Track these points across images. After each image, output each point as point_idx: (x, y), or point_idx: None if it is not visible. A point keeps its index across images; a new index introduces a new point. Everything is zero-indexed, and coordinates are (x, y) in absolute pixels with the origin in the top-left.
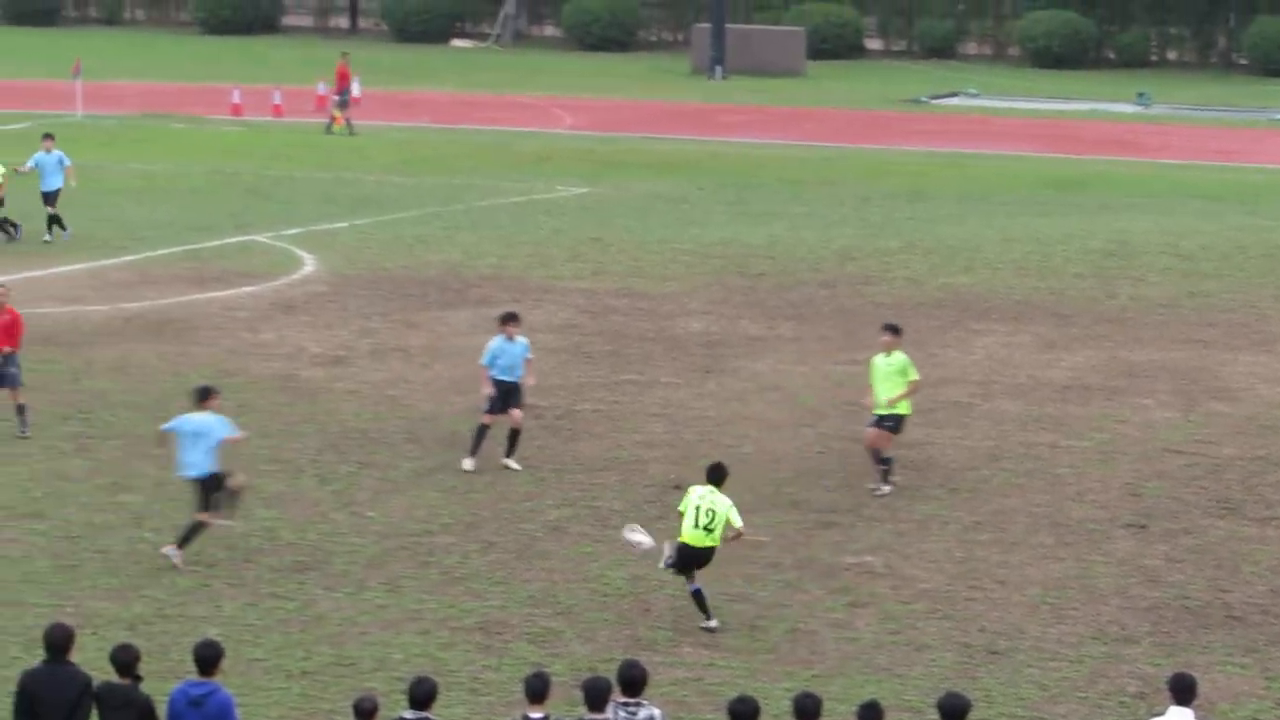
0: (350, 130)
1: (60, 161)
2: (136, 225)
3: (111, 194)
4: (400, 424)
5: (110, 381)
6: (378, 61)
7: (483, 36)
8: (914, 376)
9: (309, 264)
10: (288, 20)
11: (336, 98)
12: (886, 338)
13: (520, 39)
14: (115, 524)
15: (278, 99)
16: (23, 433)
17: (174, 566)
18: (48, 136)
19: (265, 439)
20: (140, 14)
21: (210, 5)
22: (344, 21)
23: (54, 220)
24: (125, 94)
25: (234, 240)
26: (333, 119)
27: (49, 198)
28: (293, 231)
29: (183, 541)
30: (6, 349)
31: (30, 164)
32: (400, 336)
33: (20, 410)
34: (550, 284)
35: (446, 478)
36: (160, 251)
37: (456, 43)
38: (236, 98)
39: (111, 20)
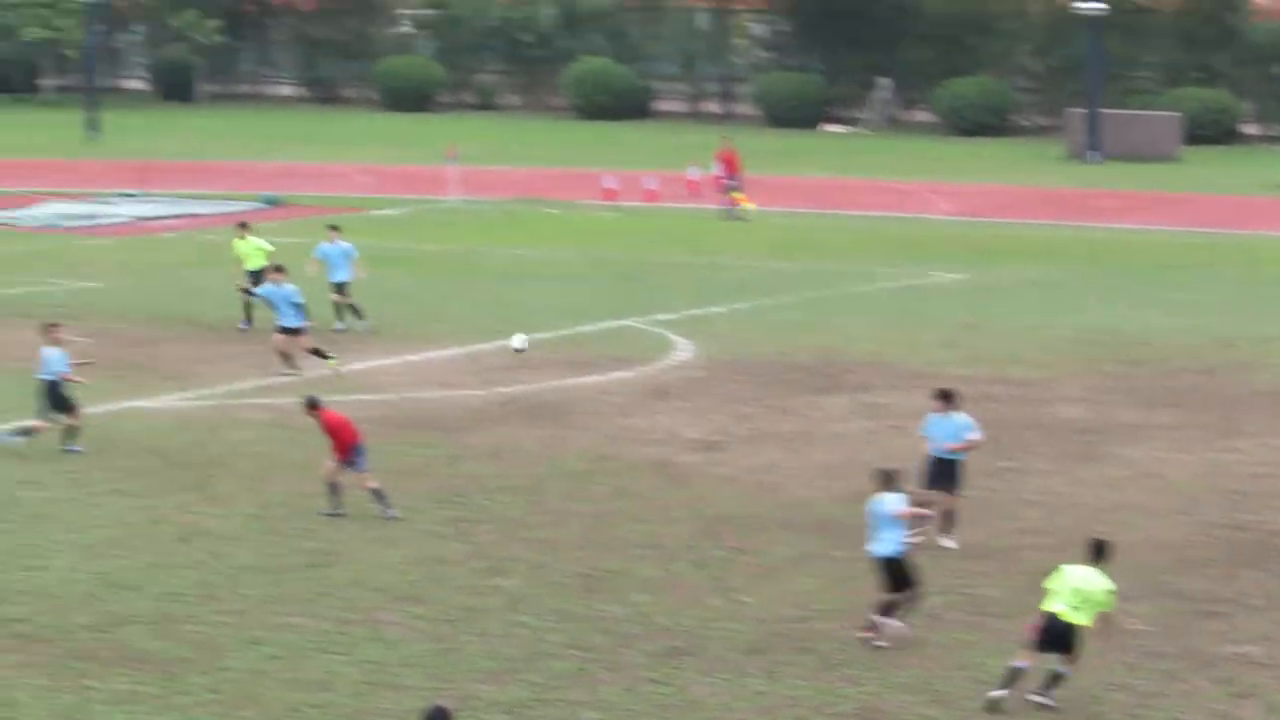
0: (737, 214)
1: (347, 254)
2: (512, 310)
3: (487, 279)
4: (775, 509)
5: (486, 466)
6: (750, 146)
7: (854, 121)
8: None
9: (683, 349)
10: (660, 105)
11: (730, 181)
12: None
13: (892, 124)
14: (493, 607)
15: (650, 184)
16: (387, 514)
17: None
18: (334, 228)
19: (640, 524)
20: (514, 99)
21: (584, 91)
22: (716, 107)
23: (350, 309)
24: (499, 179)
25: (608, 325)
26: (734, 201)
27: (339, 289)
28: (666, 316)
29: (887, 611)
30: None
31: (316, 255)
32: (775, 422)
33: (377, 494)
34: (925, 370)
35: (822, 563)
36: (537, 336)
37: (828, 127)
38: (609, 183)
39: (486, 105)
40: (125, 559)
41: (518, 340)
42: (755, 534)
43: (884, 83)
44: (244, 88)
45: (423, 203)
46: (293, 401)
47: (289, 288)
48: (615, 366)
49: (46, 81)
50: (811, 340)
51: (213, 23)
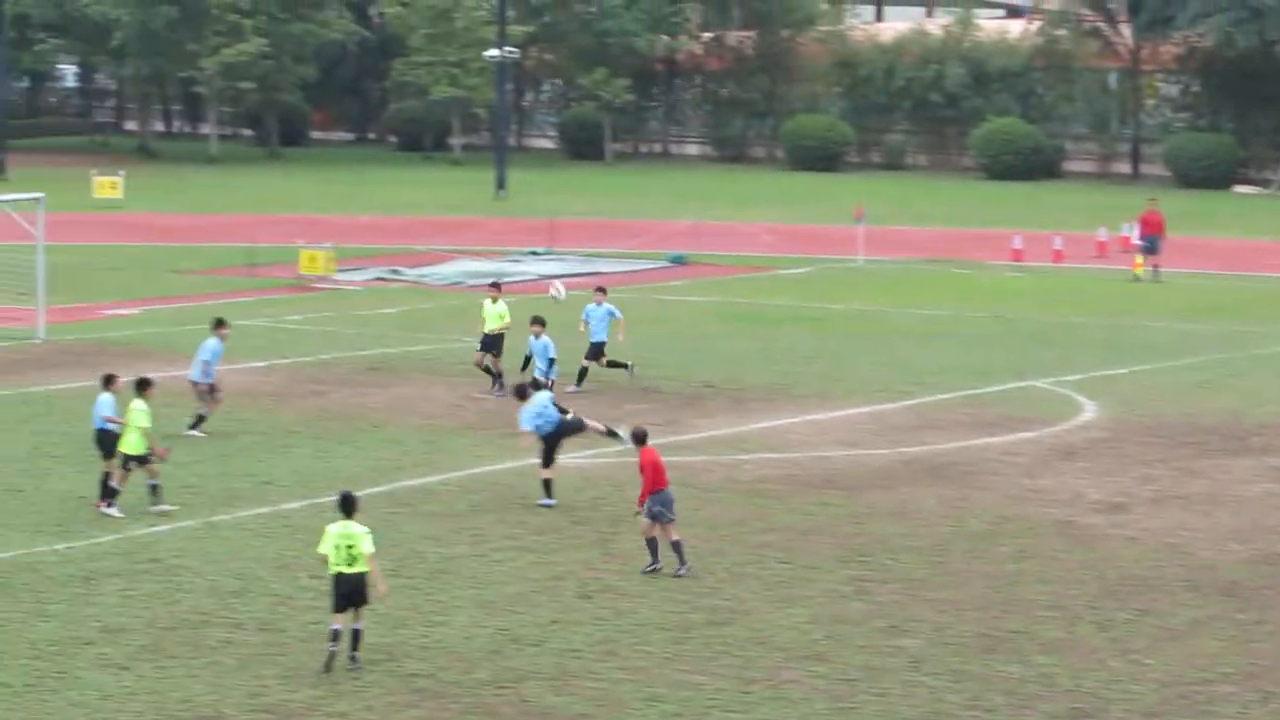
0: (1146, 276)
1: (609, 314)
2: (918, 369)
3: (893, 338)
4: (1179, 571)
5: (889, 525)
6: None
7: (1266, 183)
8: None
9: (1088, 410)
10: (1069, 166)
11: (1142, 243)
12: None
13: None
14: (893, 667)
15: (1058, 244)
16: (678, 571)
17: None
18: (600, 290)
19: (1044, 585)
20: (922, 159)
21: (991, 150)
22: (1125, 167)
23: (613, 365)
24: (907, 239)
25: (1013, 386)
26: (1150, 264)
27: (595, 349)
28: (1072, 377)
29: None
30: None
31: (583, 316)
32: (1180, 483)
33: (676, 548)
34: None
35: (1226, 626)
36: (940, 396)
37: (1239, 189)
38: (1018, 243)
39: (893, 165)
40: (526, 614)
41: (556, 289)
42: (1159, 596)
43: None
44: (651, 146)
45: (828, 262)
46: (701, 459)
47: (545, 340)
48: (1019, 427)
49: (456, 140)
50: (1218, 402)
51: (621, 81)
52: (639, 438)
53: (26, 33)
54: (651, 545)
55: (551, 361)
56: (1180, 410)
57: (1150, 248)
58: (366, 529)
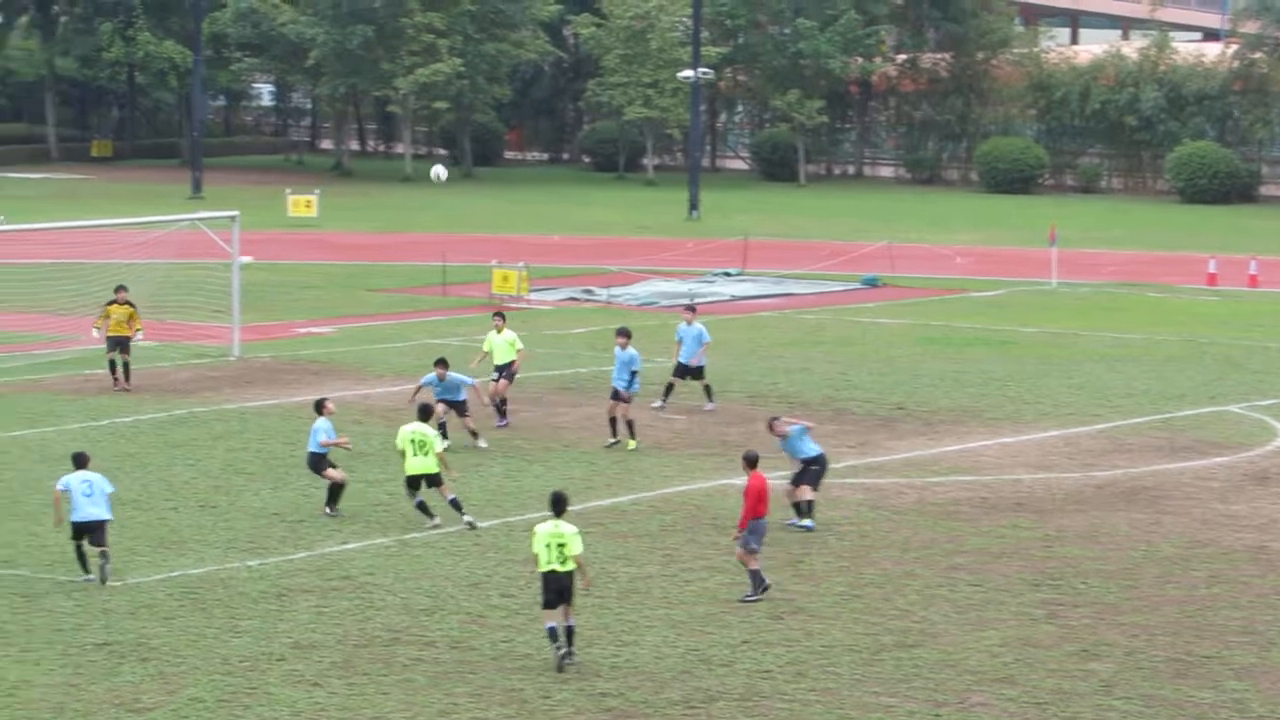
0: None
1: (699, 337)
2: (1110, 393)
3: (1085, 361)
4: None
5: (1081, 549)
6: None
7: None
8: None
9: None
10: (1265, 190)
11: None
12: None
13: None
14: (1084, 691)
15: (1253, 269)
16: (747, 597)
17: None
18: (689, 309)
19: (1236, 610)
20: (1116, 182)
21: (1187, 174)
22: None
23: (706, 390)
24: (1100, 262)
25: (1207, 410)
26: None
27: (682, 370)
28: (1267, 402)
29: None
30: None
31: (676, 336)
32: None
33: (754, 576)
34: None
35: None
36: (1132, 420)
37: None
38: (1212, 267)
39: (1088, 189)
40: (717, 635)
41: (437, 170)
42: None
43: None
44: (845, 168)
45: (1021, 285)
46: (892, 482)
47: (632, 352)
48: (1212, 451)
49: (649, 160)
50: None
51: (815, 103)
52: (750, 461)
53: (223, 52)
54: (754, 575)
55: (634, 374)
56: None
57: None
58: (576, 529)
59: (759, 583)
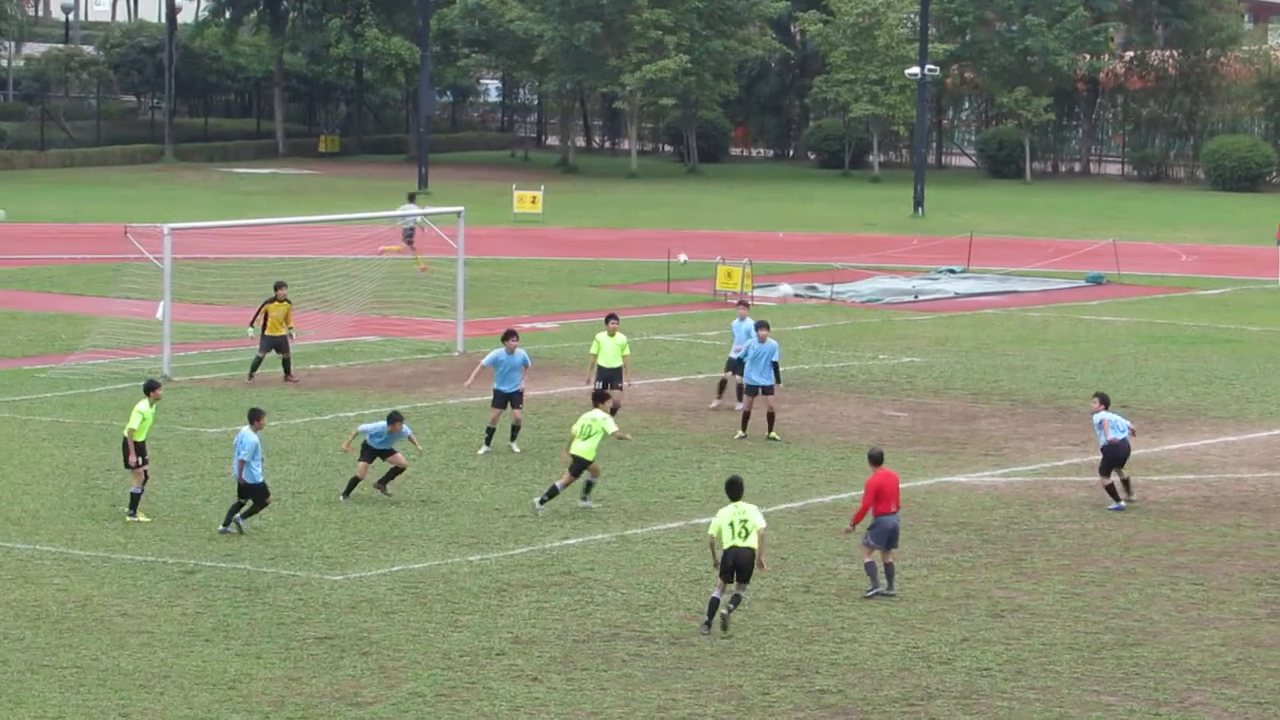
0: None
1: (749, 332)
2: None
3: None
4: None
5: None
6: None
7: None
8: None
9: None
10: None
11: None
12: None
13: None
14: None
15: None
16: (871, 592)
17: None
18: (743, 304)
19: None
20: None
21: None
22: None
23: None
24: None
25: None
26: None
27: (734, 366)
28: None
29: None
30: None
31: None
32: None
33: (888, 570)
34: None
35: None
36: None
37: None
38: None
39: None
40: (936, 632)
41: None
42: None
43: None
44: (1071, 165)
45: (1247, 283)
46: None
47: (772, 344)
48: None
49: (874, 157)
50: None
51: (1042, 100)
52: (874, 459)
53: (451, 48)
54: (869, 569)
55: (775, 365)
56: None
57: None
58: (757, 507)
59: (872, 579)
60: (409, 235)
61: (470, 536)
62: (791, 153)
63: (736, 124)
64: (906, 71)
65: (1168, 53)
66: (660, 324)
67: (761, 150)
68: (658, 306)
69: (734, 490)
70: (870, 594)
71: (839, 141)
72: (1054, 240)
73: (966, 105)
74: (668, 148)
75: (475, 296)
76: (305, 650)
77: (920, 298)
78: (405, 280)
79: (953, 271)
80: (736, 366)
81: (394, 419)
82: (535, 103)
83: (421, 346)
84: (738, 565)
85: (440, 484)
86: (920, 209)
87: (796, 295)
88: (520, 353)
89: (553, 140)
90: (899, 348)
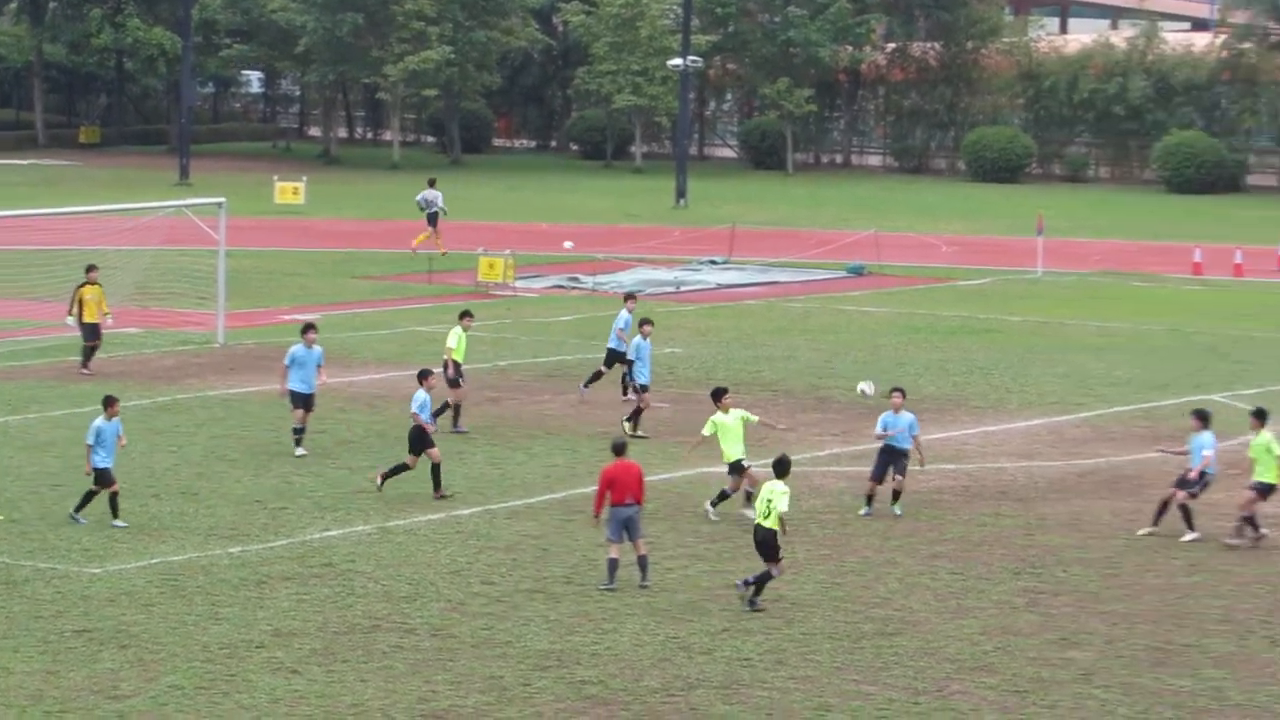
0: None
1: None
2: (1094, 382)
3: (1070, 351)
4: None
5: (1062, 537)
6: None
7: None
8: None
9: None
10: (1253, 180)
11: None
12: None
13: None
14: (1063, 679)
15: (1239, 258)
16: (644, 584)
17: None
18: (630, 298)
19: (1216, 599)
20: (1104, 172)
21: (1174, 164)
22: None
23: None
24: (1086, 251)
25: (1191, 399)
26: None
27: (613, 356)
28: (1251, 391)
29: None
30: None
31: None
32: None
33: (641, 562)
34: None
35: None
36: (1116, 409)
37: None
38: (1198, 256)
39: (1075, 178)
40: (697, 623)
41: (866, 386)
42: None
43: None
44: (833, 156)
45: (1007, 274)
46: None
47: (648, 343)
48: None
49: (637, 148)
50: None
51: (804, 92)
52: (616, 449)
53: (213, 38)
54: (609, 564)
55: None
56: None
57: None
58: (786, 488)
59: (609, 574)
60: (433, 219)
61: (230, 529)
62: (554, 144)
63: (499, 115)
64: (669, 63)
65: (929, 45)
66: (422, 315)
67: (524, 141)
68: (419, 298)
69: (778, 468)
70: (603, 587)
71: (601, 133)
72: (815, 231)
73: (729, 96)
74: (430, 139)
75: (236, 288)
76: (63, 643)
77: (682, 288)
78: (167, 272)
79: (714, 262)
80: (617, 359)
81: (109, 402)
82: (298, 94)
83: (182, 338)
84: (759, 542)
85: (200, 476)
86: (682, 200)
87: (558, 286)
88: (318, 349)
89: (315, 131)
90: (661, 339)
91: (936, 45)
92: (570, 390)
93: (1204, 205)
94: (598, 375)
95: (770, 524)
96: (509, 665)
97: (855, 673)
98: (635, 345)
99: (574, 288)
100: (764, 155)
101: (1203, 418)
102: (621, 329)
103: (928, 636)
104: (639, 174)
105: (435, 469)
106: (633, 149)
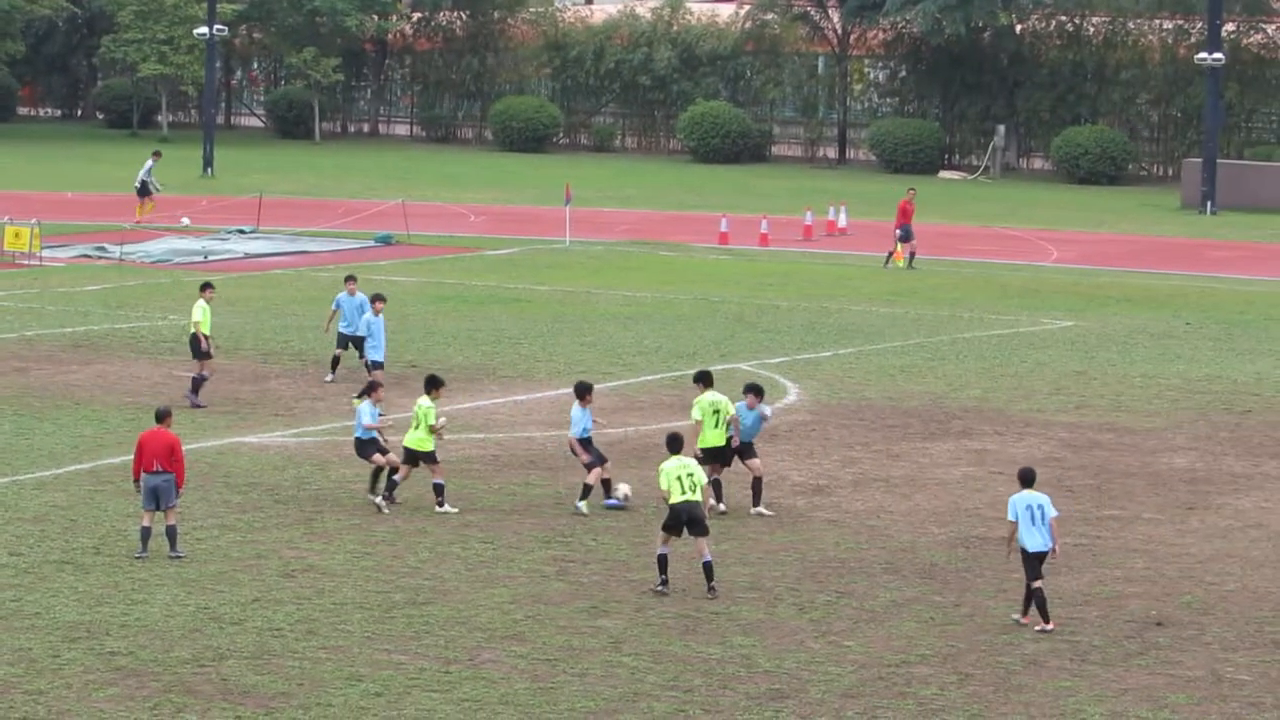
0: (910, 265)
1: (362, 307)
2: (622, 351)
3: (598, 320)
4: (879, 554)
5: (592, 508)
6: (865, 192)
7: (971, 169)
8: None
9: (792, 393)
10: (777, 150)
11: (898, 232)
12: None
13: (1009, 171)
14: (593, 647)
15: (764, 228)
16: (174, 554)
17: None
18: (351, 279)
19: (744, 566)
20: (630, 142)
21: (700, 134)
22: (833, 152)
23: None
24: (614, 221)
25: (718, 368)
26: (892, 253)
27: (345, 341)
28: (776, 360)
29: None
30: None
31: (334, 305)
32: (882, 467)
33: (170, 532)
34: (1033, 417)
35: (924, 609)
36: (644, 378)
37: (945, 174)
38: (724, 226)
39: (602, 148)
40: (228, 593)
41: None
42: (859, 578)
43: (1001, 130)
44: (360, 126)
45: (535, 243)
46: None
47: (380, 319)
48: None
49: (164, 118)
50: (920, 386)
51: (331, 61)
52: (158, 416)
53: None
54: (142, 533)
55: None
56: (882, 394)
57: (905, 236)
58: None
59: (142, 544)
60: (144, 191)
61: None
62: (80, 112)
63: (23, 84)
64: (195, 31)
65: (456, 14)
66: None
67: (49, 110)
68: None
69: (672, 445)
70: (136, 556)
71: (127, 101)
72: (343, 201)
73: (256, 65)
74: None
75: None
76: None
77: (210, 258)
78: None
79: (242, 232)
80: (351, 341)
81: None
82: None
83: None
84: (691, 519)
85: None
86: (210, 169)
87: (84, 255)
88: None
89: None
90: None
91: (463, 15)
92: (101, 360)
93: (730, 175)
94: (336, 361)
95: (698, 497)
96: (37, 637)
97: (387, 642)
98: (367, 322)
99: (101, 257)
100: (291, 125)
101: (757, 391)
102: (335, 310)
103: (459, 605)
104: (165, 143)
105: None
106: (159, 118)
